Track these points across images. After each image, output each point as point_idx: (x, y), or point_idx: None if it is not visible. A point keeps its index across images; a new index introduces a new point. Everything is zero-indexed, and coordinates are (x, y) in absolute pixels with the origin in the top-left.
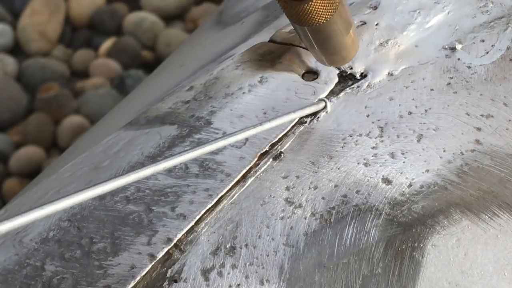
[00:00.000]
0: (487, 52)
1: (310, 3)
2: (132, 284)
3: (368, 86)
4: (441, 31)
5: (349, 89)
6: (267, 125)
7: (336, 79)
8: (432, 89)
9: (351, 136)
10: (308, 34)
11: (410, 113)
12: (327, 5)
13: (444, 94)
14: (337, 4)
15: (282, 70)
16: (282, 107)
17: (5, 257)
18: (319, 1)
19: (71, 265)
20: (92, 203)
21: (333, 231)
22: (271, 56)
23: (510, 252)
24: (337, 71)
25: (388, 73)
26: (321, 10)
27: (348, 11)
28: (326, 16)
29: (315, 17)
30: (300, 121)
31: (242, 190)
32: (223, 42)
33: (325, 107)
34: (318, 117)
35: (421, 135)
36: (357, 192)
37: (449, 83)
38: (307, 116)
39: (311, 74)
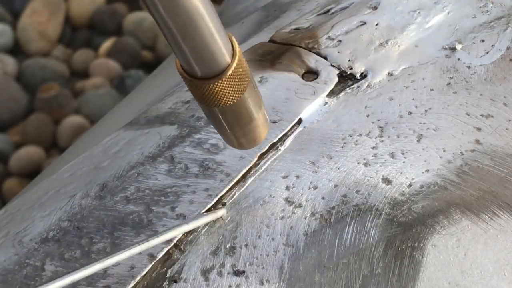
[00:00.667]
0: (487, 52)
1: (216, 83)
2: (132, 284)
3: (368, 86)
4: (441, 31)
5: (349, 89)
6: (155, 241)
7: (336, 79)
8: (432, 89)
9: (351, 136)
10: (219, 115)
11: (410, 113)
12: (235, 85)
13: (444, 94)
14: (245, 84)
15: (282, 70)
16: (282, 107)
17: (5, 257)
18: (225, 81)
19: (71, 265)
20: (92, 203)
21: (333, 231)
22: (271, 56)
23: (510, 252)
24: (337, 71)
25: (388, 73)
26: (228, 90)
27: (258, 91)
28: (234, 98)
29: (222, 98)
30: (299, 121)
31: (242, 190)
32: None
33: (222, 215)
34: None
35: (421, 135)
36: (357, 192)
37: (449, 83)
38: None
39: (311, 74)
